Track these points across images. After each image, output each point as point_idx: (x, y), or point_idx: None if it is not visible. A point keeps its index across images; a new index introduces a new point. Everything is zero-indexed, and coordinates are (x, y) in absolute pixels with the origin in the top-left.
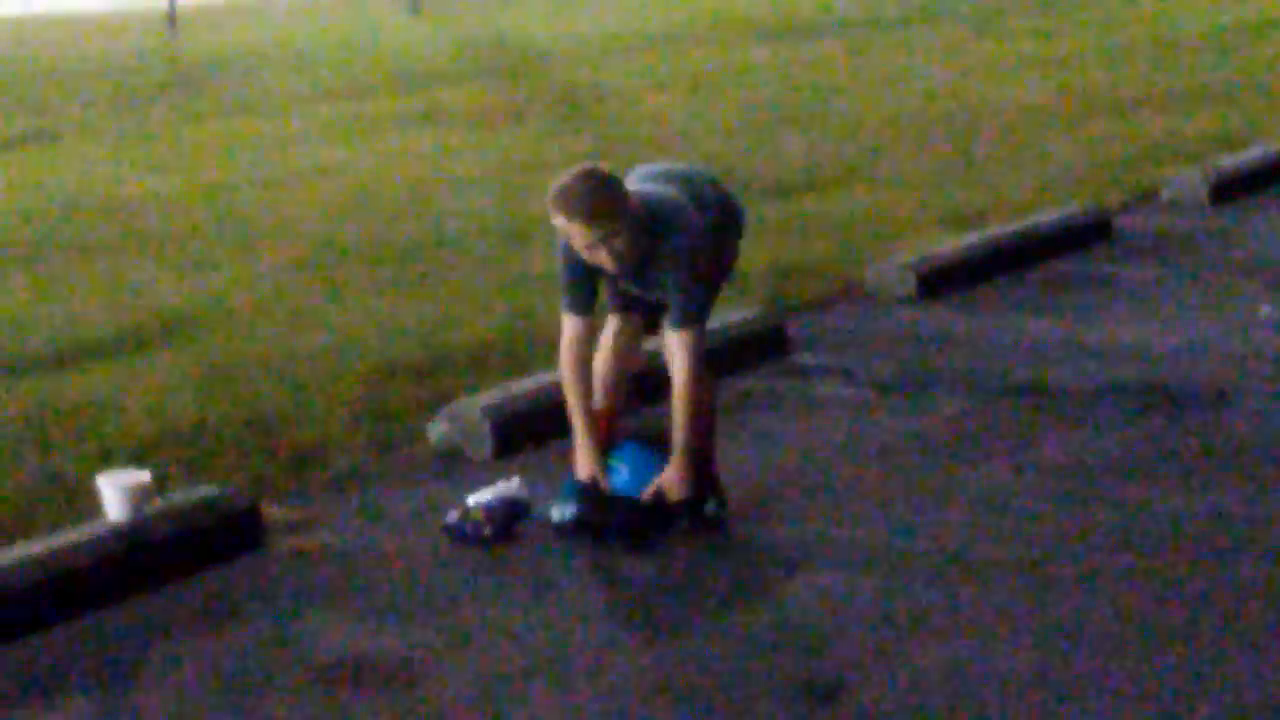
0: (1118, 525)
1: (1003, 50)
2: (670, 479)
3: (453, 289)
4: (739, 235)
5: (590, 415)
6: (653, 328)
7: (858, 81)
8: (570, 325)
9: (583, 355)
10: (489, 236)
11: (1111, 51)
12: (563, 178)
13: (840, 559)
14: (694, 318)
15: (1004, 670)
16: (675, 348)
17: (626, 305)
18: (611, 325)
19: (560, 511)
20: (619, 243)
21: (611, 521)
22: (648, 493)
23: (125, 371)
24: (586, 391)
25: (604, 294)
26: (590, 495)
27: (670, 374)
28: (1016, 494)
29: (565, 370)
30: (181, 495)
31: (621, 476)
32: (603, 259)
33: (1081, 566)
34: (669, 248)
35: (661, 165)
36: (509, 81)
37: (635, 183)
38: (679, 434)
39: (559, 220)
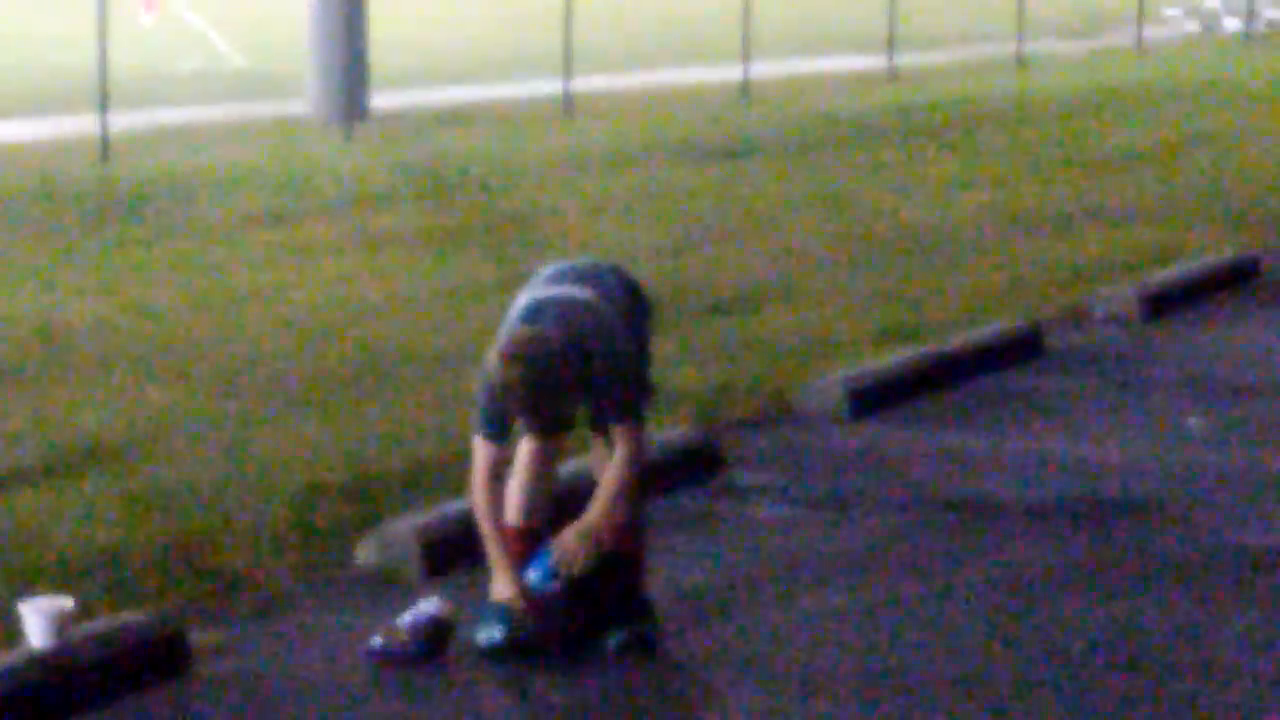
0: (1047, 640)
1: (933, 170)
2: (565, 535)
3: (385, 411)
4: (648, 315)
5: (503, 537)
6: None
7: (789, 201)
8: (485, 452)
9: (495, 481)
10: (422, 359)
11: (1041, 170)
12: (508, 345)
13: (770, 680)
14: (632, 409)
15: None
16: (618, 438)
17: (543, 427)
18: (529, 444)
19: (486, 634)
20: (563, 405)
21: (546, 628)
22: (552, 559)
23: (50, 497)
24: (499, 515)
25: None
26: (515, 618)
27: (606, 471)
28: (947, 611)
29: (478, 495)
30: (106, 621)
31: (538, 573)
32: (541, 419)
33: (1011, 682)
34: (598, 367)
35: (565, 264)
36: (443, 205)
37: (544, 286)
38: (595, 502)
39: (508, 376)
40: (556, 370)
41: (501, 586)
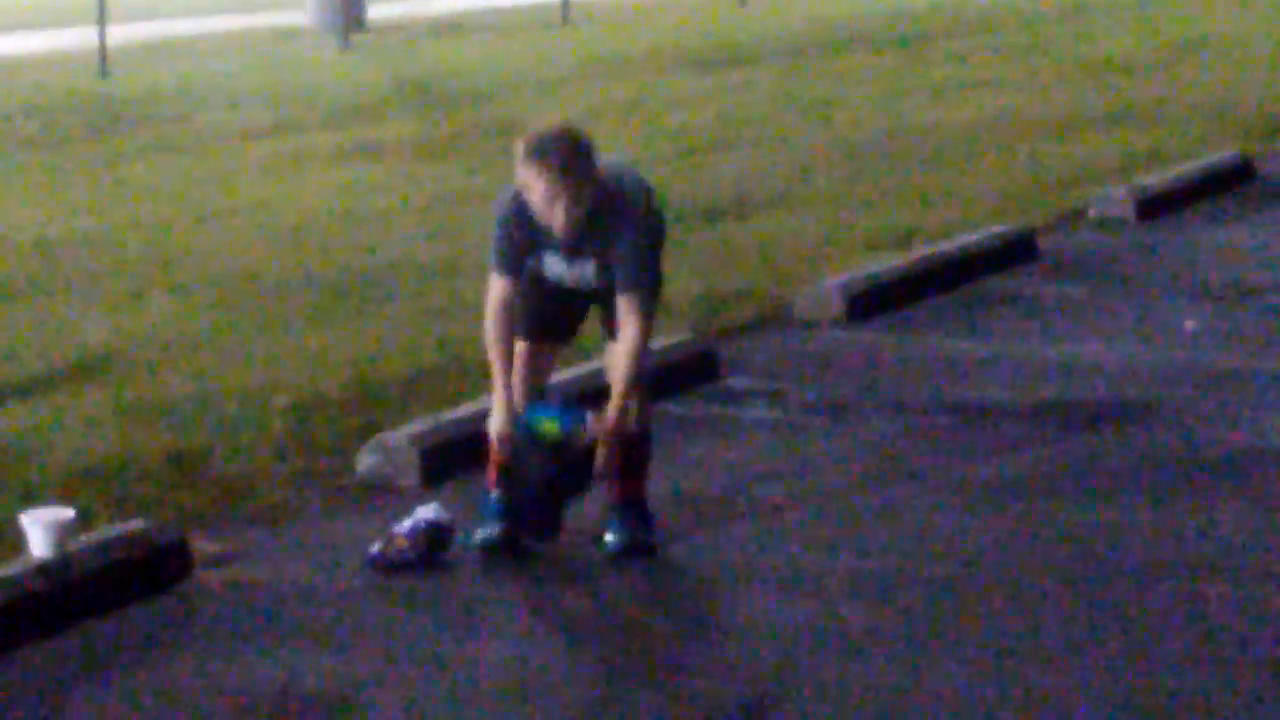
0: (1038, 542)
1: (929, 75)
2: (604, 418)
3: (382, 322)
4: (662, 221)
5: (510, 375)
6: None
7: (786, 108)
8: (499, 285)
9: (508, 315)
10: (419, 269)
11: (1037, 74)
12: (541, 129)
13: (768, 582)
14: (647, 281)
15: (928, 688)
16: (627, 311)
17: (541, 328)
18: (523, 350)
19: (484, 532)
20: (580, 203)
21: (532, 475)
22: (588, 434)
23: (49, 410)
24: (509, 351)
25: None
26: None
27: (617, 347)
28: (941, 513)
29: (489, 324)
30: (107, 531)
31: (543, 412)
32: (557, 215)
33: (1005, 583)
34: (623, 213)
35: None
36: (440, 115)
37: None
38: (620, 381)
39: (529, 170)
40: (583, 166)
41: (496, 418)
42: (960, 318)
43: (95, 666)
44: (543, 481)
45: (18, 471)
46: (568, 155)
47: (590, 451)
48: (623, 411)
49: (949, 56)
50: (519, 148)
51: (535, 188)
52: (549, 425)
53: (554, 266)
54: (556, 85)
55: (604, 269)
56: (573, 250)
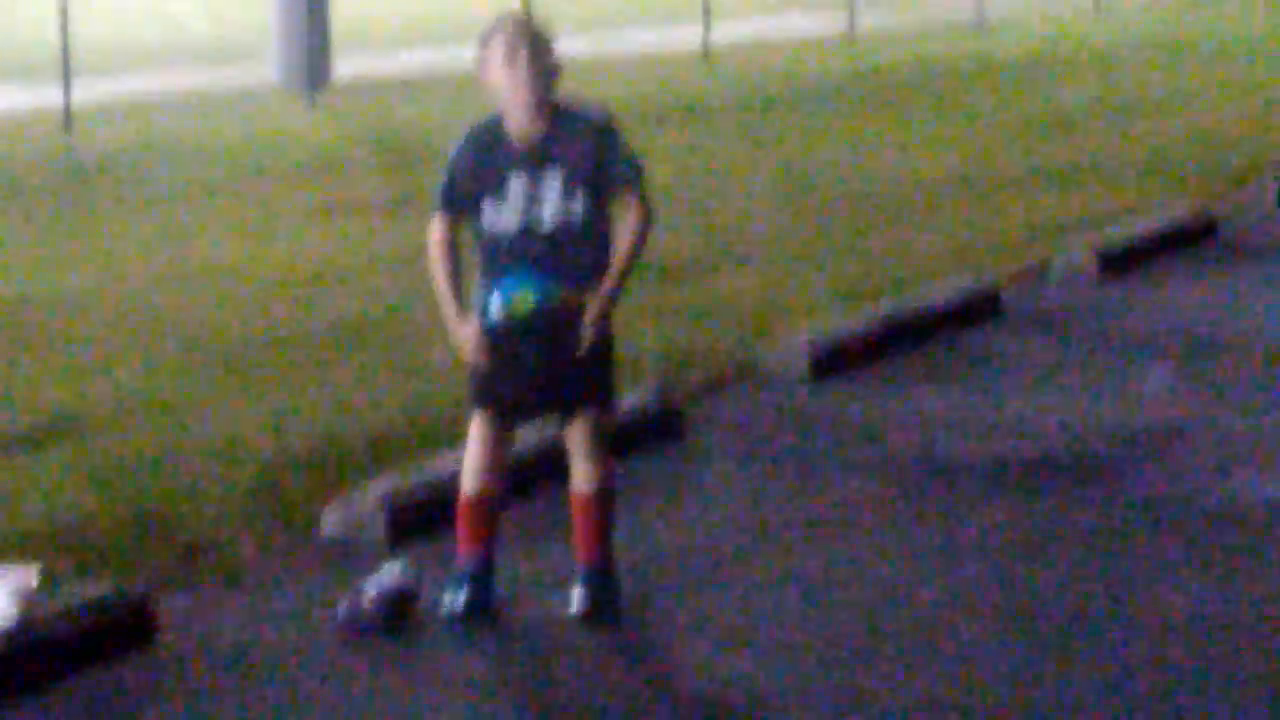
0: (1004, 601)
1: (891, 131)
2: (594, 302)
3: (348, 379)
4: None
5: (459, 288)
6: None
7: (748, 163)
8: (441, 223)
9: (452, 249)
10: (384, 327)
11: (999, 130)
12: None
13: (732, 645)
14: (638, 175)
15: None
16: (627, 208)
17: (499, 399)
18: (482, 424)
19: (450, 599)
20: (539, 65)
21: (526, 360)
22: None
23: (15, 470)
24: (456, 271)
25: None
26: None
27: (622, 230)
28: (906, 573)
29: (435, 257)
30: (71, 591)
31: (509, 289)
32: (520, 73)
33: (966, 643)
34: (588, 117)
35: None
36: (406, 173)
37: None
38: (623, 253)
39: (488, 42)
40: (538, 31)
41: (457, 328)
42: (925, 374)
43: None
44: (541, 361)
45: None
46: (522, 19)
47: (579, 309)
48: (619, 282)
49: (911, 112)
50: (492, 24)
51: (496, 52)
52: (521, 298)
53: (515, 196)
54: None
55: (569, 190)
56: (537, 160)
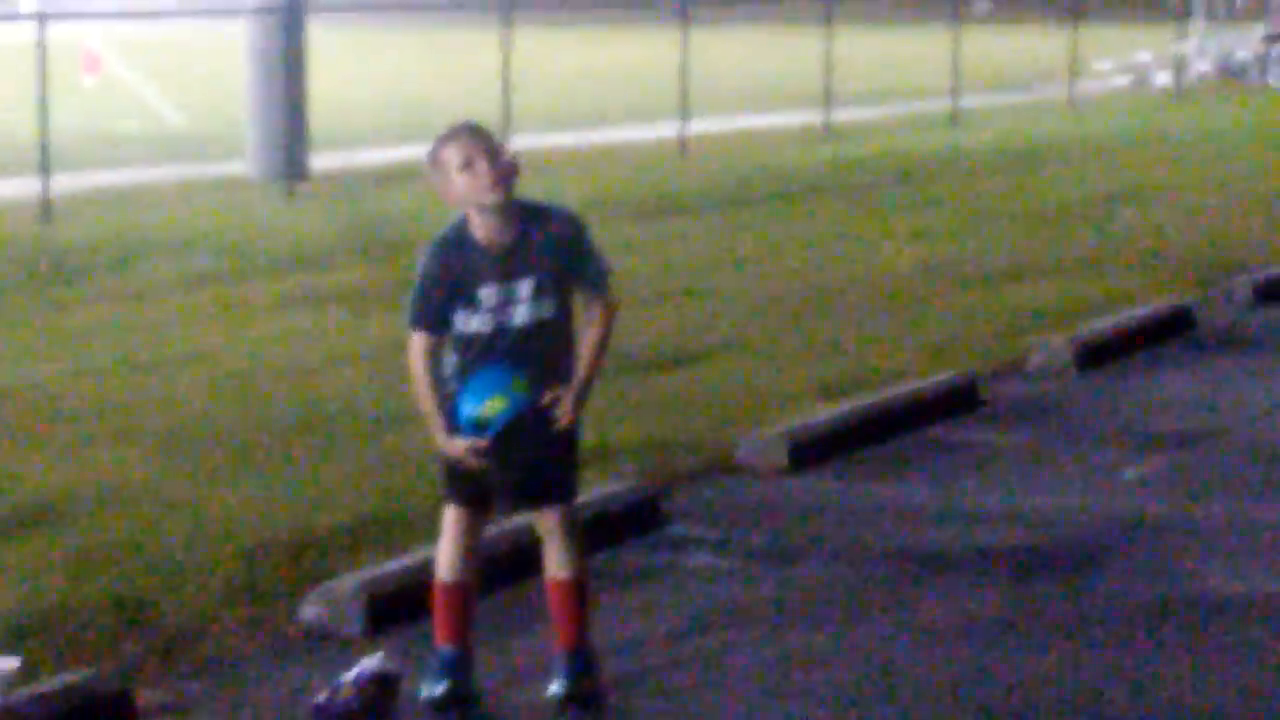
0: (983, 691)
1: (868, 224)
2: (567, 397)
3: (327, 468)
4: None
5: (444, 406)
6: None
7: (725, 257)
8: (420, 341)
9: (431, 361)
10: (362, 417)
11: (975, 223)
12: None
13: None
14: (608, 276)
15: None
16: (596, 311)
17: (471, 492)
18: (455, 513)
19: (429, 688)
20: (496, 162)
21: (515, 453)
22: (546, 399)
23: None
24: (439, 386)
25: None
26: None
27: (589, 330)
28: (884, 661)
29: (417, 375)
30: (51, 681)
31: (475, 397)
32: (480, 179)
33: None
34: (555, 217)
35: None
36: (384, 264)
37: None
38: (586, 363)
39: (439, 156)
40: (488, 135)
41: (445, 441)
42: (904, 465)
43: None
44: (513, 457)
45: None
46: (473, 125)
47: (549, 406)
48: (590, 374)
49: (888, 205)
50: (445, 136)
51: (451, 163)
52: (491, 405)
53: (487, 303)
54: None
55: (539, 292)
56: (508, 268)
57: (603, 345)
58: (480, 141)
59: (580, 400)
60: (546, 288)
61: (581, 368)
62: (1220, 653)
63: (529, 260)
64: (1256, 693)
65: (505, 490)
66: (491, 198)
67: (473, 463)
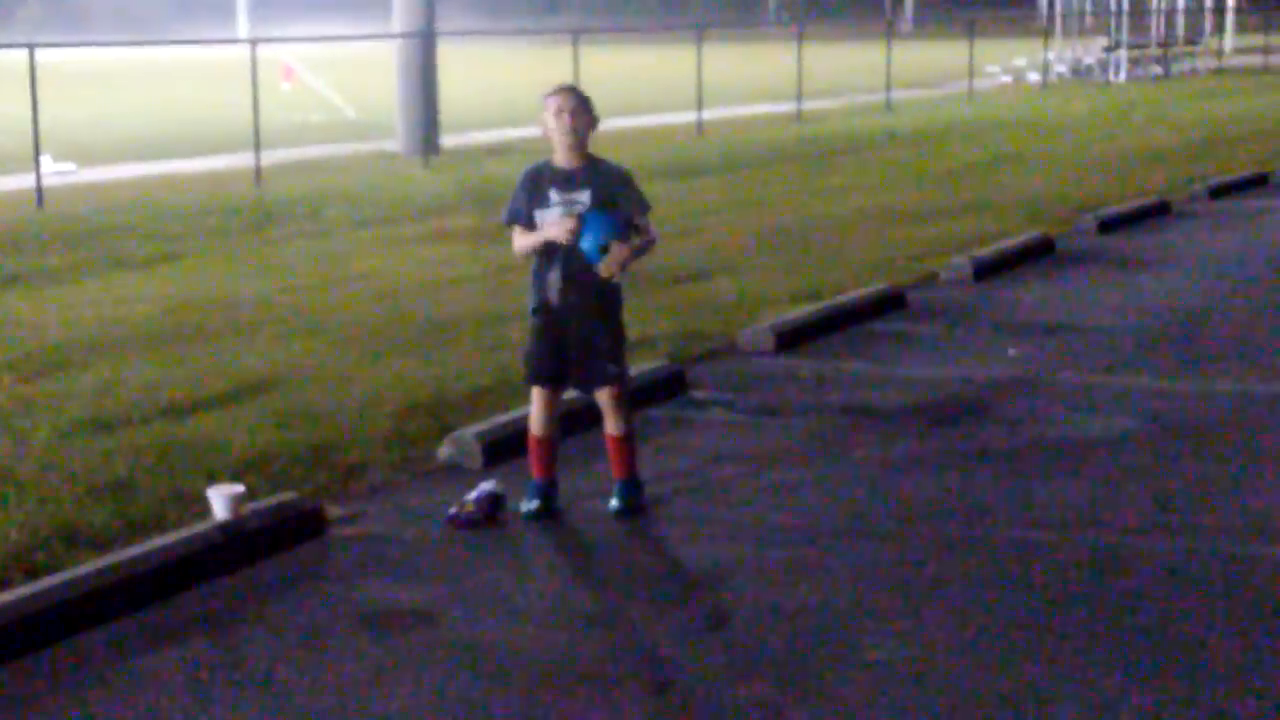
0: (908, 502)
1: (828, 180)
2: (618, 249)
3: (453, 353)
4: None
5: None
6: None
7: (727, 205)
8: (518, 230)
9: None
10: (479, 317)
11: (902, 180)
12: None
13: (726, 533)
14: (648, 209)
15: (841, 607)
16: (644, 228)
17: (555, 371)
18: (536, 395)
19: (527, 504)
20: (579, 120)
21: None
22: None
23: (225, 417)
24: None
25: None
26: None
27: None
28: (842, 483)
29: (517, 242)
30: (266, 501)
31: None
32: (563, 124)
33: (882, 531)
34: (613, 171)
35: None
36: (492, 211)
37: None
38: (634, 244)
39: (549, 101)
40: (583, 98)
41: (551, 229)
42: (854, 348)
43: (259, 600)
44: (575, 338)
45: (204, 460)
46: (571, 86)
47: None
48: (641, 246)
49: (842, 167)
50: (551, 90)
51: (550, 109)
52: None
53: (555, 205)
54: None
55: (595, 201)
56: (572, 184)
57: (646, 243)
58: (572, 100)
59: (622, 262)
60: (600, 203)
61: (632, 243)
62: (1074, 476)
63: (588, 181)
64: (1102, 502)
65: (573, 381)
66: (567, 139)
67: (569, 227)
